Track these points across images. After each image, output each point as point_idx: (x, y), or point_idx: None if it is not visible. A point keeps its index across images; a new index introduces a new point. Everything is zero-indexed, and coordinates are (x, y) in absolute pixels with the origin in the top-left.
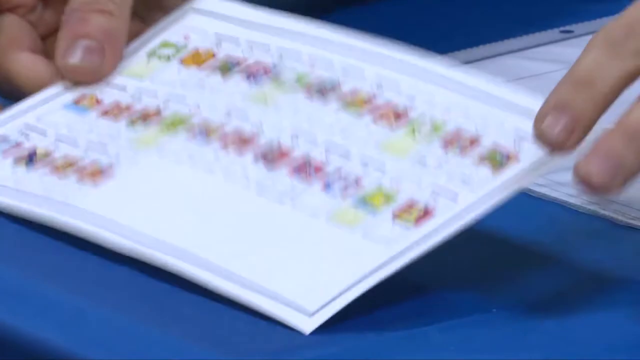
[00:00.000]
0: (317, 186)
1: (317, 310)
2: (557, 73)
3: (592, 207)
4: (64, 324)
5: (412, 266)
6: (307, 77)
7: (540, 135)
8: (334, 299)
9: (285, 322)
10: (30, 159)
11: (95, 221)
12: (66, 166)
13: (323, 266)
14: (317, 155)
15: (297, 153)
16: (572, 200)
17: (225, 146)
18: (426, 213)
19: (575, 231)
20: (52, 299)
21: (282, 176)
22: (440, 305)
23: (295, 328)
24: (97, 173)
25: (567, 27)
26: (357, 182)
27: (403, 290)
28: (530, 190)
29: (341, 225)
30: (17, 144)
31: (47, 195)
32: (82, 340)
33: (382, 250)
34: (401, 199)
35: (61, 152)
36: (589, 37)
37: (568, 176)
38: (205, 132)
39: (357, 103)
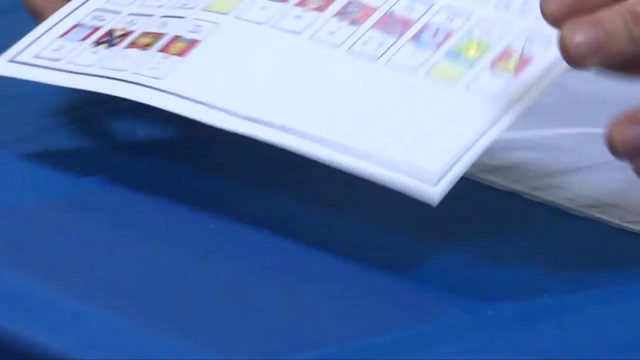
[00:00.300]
0: (407, 41)
1: (441, 179)
2: None
3: (589, 211)
4: (62, 326)
5: (409, 267)
6: None
7: (562, 39)
8: (453, 165)
9: (413, 195)
10: (110, 39)
11: (189, 94)
12: (148, 42)
13: (435, 128)
14: (400, 8)
15: (380, 8)
16: (567, 204)
17: (303, 5)
18: (524, 61)
19: (571, 235)
20: (49, 300)
21: (369, 32)
22: (439, 305)
23: (423, 199)
24: (181, 47)
25: None
26: (447, 34)
27: (401, 290)
28: (525, 193)
29: (441, 80)
30: (94, 28)
31: (135, 70)
32: (80, 341)
33: (489, 105)
34: (495, 48)
35: (139, 27)
36: None
37: (564, 179)
38: None
39: None
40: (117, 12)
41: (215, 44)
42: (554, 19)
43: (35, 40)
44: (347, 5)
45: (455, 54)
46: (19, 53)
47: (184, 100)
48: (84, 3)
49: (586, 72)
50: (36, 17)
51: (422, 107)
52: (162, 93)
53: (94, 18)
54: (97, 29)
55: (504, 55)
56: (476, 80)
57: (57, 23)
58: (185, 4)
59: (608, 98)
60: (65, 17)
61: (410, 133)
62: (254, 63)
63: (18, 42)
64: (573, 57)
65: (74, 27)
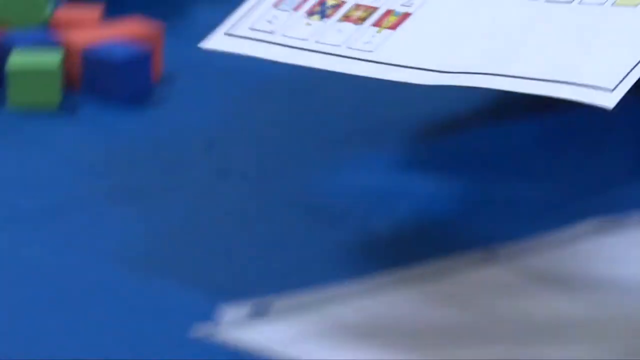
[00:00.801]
0: None
1: (617, 86)
2: None
3: None
4: None
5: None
6: None
7: None
8: (629, 73)
9: (590, 102)
10: (323, 9)
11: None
12: (362, 16)
13: (616, 48)
14: None
15: None
16: None
17: None
18: None
19: None
20: None
21: None
22: None
23: (600, 105)
24: (393, 21)
25: None
26: None
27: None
28: None
29: (626, 6)
30: None
31: (349, 45)
32: None
33: None
34: None
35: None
36: None
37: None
38: None
39: None
40: None
41: (425, 14)
42: None
43: (249, 10)
44: None
45: None
46: (235, 25)
47: (395, 68)
48: None
49: None
50: None
51: (612, 35)
52: (374, 64)
53: None
54: None
55: None
56: None
57: None
58: None
59: None
60: None
61: (591, 54)
62: (463, 28)
63: (234, 13)
64: None
65: None
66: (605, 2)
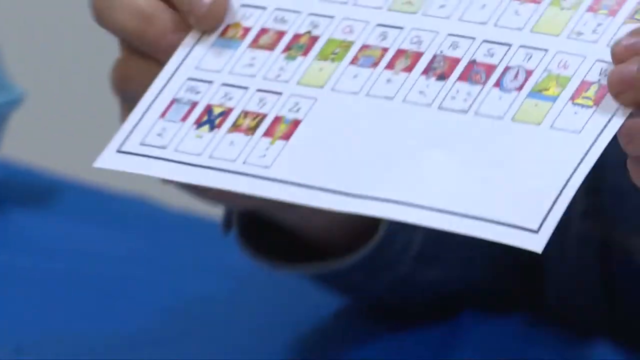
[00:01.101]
0: (491, 87)
1: (541, 225)
2: None
3: None
4: None
5: None
6: None
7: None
8: (552, 207)
9: (514, 245)
10: (210, 119)
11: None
12: (251, 125)
13: (525, 175)
14: (481, 54)
15: (462, 58)
16: None
17: (391, 67)
18: (603, 90)
19: None
20: None
21: (456, 84)
22: None
23: (526, 248)
24: (284, 130)
25: None
26: (526, 73)
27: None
28: None
29: (526, 122)
30: (192, 104)
31: (244, 160)
32: None
33: (575, 139)
34: (574, 82)
35: (237, 104)
36: None
37: None
38: (369, 58)
39: None
40: (209, 82)
41: (316, 122)
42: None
43: (137, 122)
44: (433, 60)
45: (537, 94)
46: (125, 140)
47: (293, 187)
48: (174, 73)
49: None
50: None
51: (512, 156)
52: (271, 182)
53: (188, 90)
54: (194, 104)
55: (583, 86)
56: (559, 118)
57: (154, 100)
58: (279, 76)
59: None
60: (160, 92)
61: (503, 185)
62: (354, 137)
63: (122, 127)
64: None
65: (171, 104)
66: (504, 115)
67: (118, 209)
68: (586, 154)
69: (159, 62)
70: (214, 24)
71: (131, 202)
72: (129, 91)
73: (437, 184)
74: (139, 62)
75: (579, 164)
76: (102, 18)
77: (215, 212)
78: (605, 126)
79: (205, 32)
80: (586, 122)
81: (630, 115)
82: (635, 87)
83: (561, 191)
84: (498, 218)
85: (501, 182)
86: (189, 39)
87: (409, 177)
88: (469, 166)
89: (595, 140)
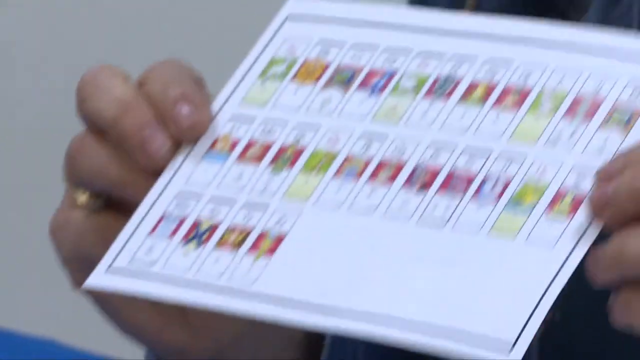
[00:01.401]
0: (470, 198)
1: (515, 342)
2: None
3: None
4: None
5: None
6: (425, 79)
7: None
8: (526, 325)
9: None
10: (197, 234)
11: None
12: (236, 240)
13: (501, 290)
14: (462, 164)
15: (444, 168)
16: None
17: (374, 179)
18: (577, 200)
19: None
20: None
21: (436, 197)
22: None
23: None
24: (269, 245)
25: None
26: (505, 183)
27: None
28: None
29: (502, 236)
30: (179, 220)
31: (229, 276)
32: None
33: (550, 254)
34: (550, 190)
35: (223, 219)
36: None
37: None
38: (353, 168)
39: (478, 96)
40: (198, 197)
41: (300, 236)
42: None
43: (127, 240)
44: (414, 171)
45: (514, 204)
46: (116, 258)
47: (276, 307)
48: (165, 188)
49: None
50: None
51: (488, 271)
52: (254, 301)
53: (177, 206)
54: (182, 220)
55: (558, 196)
56: (535, 230)
57: (144, 217)
58: (265, 189)
59: None
60: (151, 208)
61: (478, 300)
62: (336, 252)
63: (113, 244)
64: None
65: (160, 220)
66: (481, 229)
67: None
68: (560, 269)
69: (123, 154)
70: (195, 137)
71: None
72: (76, 170)
73: (415, 298)
74: (99, 145)
75: (553, 279)
76: (83, 104)
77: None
78: (579, 241)
79: (187, 142)
80: (560, 236)
81: (600, 236)
82: (611, 208)
83: (536, 306)
84: (475, 332)
85: (477, 297)
86: (178, 154)
87: (389, 292)
88: (446, 280)
89: (568, 256)
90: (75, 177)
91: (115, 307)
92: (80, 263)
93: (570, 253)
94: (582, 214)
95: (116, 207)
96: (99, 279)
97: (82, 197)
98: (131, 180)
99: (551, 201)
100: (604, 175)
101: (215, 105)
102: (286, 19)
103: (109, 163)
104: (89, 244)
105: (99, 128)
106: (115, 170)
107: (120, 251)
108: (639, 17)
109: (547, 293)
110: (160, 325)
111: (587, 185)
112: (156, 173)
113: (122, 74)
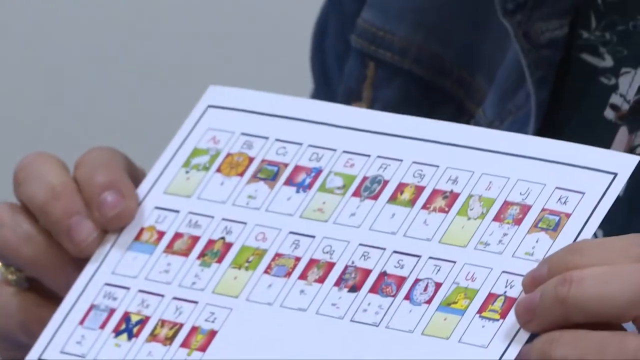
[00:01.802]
0: (402, 300)
1: None
2: None
3: None
4: None
5: None
6: (353, 178)
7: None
8: None
9: None
10: (128, 327)
11: None
12: (168, 335)
13: None
14: (392, 266)
15: (374, 269)
16: None
17: (304, 277)
18: (509, 302)
19: None
20: None
21: (367, 297)
22: None
23: None
24: (201, 341)
25: None
26: (435, 286)
27: None
28: None
29: (435, 337)
30: (110, 311)
31: None
32: None
33: (483, 354)
34: (481, 295)
35: (154, 312)
36: None
37: None
38: (283, 267)
39: (407, 198)
40: (127, 288)
41: (232, 333)
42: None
43: (57, 329)
44: (344, 271)
45: (445, 307)
46: (45, 349)
47: None
48: (91, 278)
49: None
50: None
51: None
52: None
53: (105, 296)
54: (112, 311)
55: (490, 299)
56: (467, 332)
57: (73, 306)
58: (194, 283)
59: None
60: (79, 297)
61: None
62: (269, 349)
63: (44, 333)
64: None
65: (89, 310)
66: (414, 329)
67: None
68: None
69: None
70: (120, 226)
71: None
72: None
73: None
74: (26, 222)
75: None
76: (18, 189)
77: None
78: (512, 341)
79: (112, 231)
80: (493, 337)
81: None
82: (539, 315)
83: None
84: None
85: None
86: (105, 242)
87: None
88: None
89: (502, 355)
90: None
91: None
92: (5, 342)
93: (503, 353)
94: (514, 316)
95: (44, 287)
96: None
97: (8, 274)
98: (51, 264)
99: (482, 304)
100: (530, 283)
101: (139, 194)
102: (207, 108)
103: (28, 243)
104: (15, 323)
105: (32, 213)
106: (30, 252)
107: (50, 341)
108: (536, 108)
109: None
110: None
111: (517, 289)
112: (79, 260)
113: (57, 161)
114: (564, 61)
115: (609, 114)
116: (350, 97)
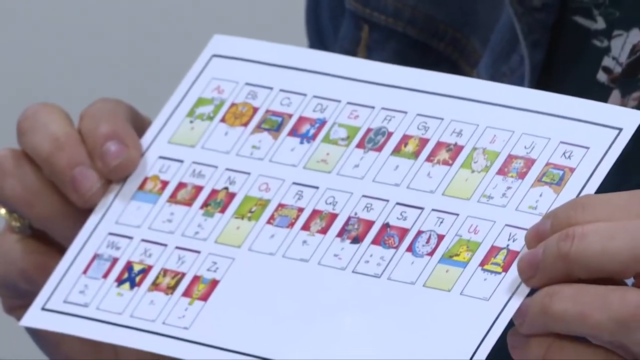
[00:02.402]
0: (404, 252)
1: None
2: None
3: None
4: None
5: None
6: (357, 130)
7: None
8: None
9: None
10: (131, 276)
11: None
12: (170, 284)
13: (437, 340)
14: (394, 217)
15: (376, 220)
16: None
17: (307, 228)
18: (511, 255)
19: None
20: None
21: (370, 248)
22: None
23: None
24: (202, 290)
25: None
26: (438, 238)
27: None
28: None
29: (437, 288)
30: (113, 260)
31: (163, 320)
32: None
33: (485, 307)
34: (483, 247)
35: (156, 262)
36: None
37: None
38: (286, 217)
39: (411, 150)
40: (130, 238)
41: (234, 282)
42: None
43: (61, 279)
44: (347, 222)
45: (447, 260)
46: (50, 298)
47: (211, 350)
48: (95, 227)
49: None
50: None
51: (424, 320)
52: (190, 344)
53: (109, 246)
54: (115, 261)
55: (492, 252)
56: (469, 284)
57: (76, 256)
58: (197, 233)
59: None
60: (83, 247)
61: (414, 350)
62: (271, 299)
63: (48, 282)
64: None
65: (93, 260)
66: (416, 280)
67: None
68: (495, 321)
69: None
70: (123, 176)
71: None
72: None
73: (351, 346)
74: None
75: (488, 330)
76: (22, 138)
77: None
78: (513, 294)
79: (116, 181)
80: (495, 290)
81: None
82: (541, 270)
83: (471, 358)
84: None
85: (413, 345)
86: (108, 192)
87: (324, 340)
88: (382, 330)
89: (503, 308)
90: (1, 198)
91: (46, 337)
92: (7, 289)
93: (504, 306)
94: (515, 269)
95: (47, 235)
96: (34, 318)
97: (12, 221)
98: (56, 216)
99: (485, 257)
100: (532, 237)
101: (143, 144)
102: (211, 57)
103: (35, 195)
104: (16, 270)
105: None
106: (37, 204)
107: (54, 290)
108: (530, 72)
109: (482, 344)
110: (90, 356)
111: (520, 242)
112: (83, 211)
113: (61, 111)
114: (557, 24)
115: (601, 76)
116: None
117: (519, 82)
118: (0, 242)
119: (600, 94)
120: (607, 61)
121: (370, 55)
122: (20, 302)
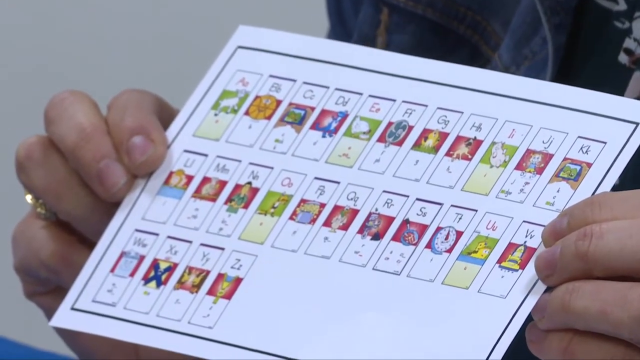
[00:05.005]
0: (423, 249)
1: None
2: None
3: None
4: None
5: None
6: (378, 123)
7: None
8: None
9: None
10: (157, 274)
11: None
12: (195, 282)
13: (455, 337)
14: (414, 213)
15: (397, 216)
16: None
17: (329, 224)
18: (528, 252)
19: None
20: None
21: (390, 245)
22: None
23: None
24: (227, 288)
25: None
26: (456, 235)
27: None
28: None
29: (455, 285)
30: (139, 258)
31: (189, 319)
32: None
33: (502, 305)
34: (501, 244)
35: (181, 259)
36: None
37: None
38: (308, 213)
39: (431, 145)
40: (156, 234)
41: (256, 281)
42: None
43: (89, 278)
44: (367, 218)
45: (466, 257)
46: (79, 297)
47: (235, 349)
48: (122, 225)
49: None
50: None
51: (443, 318)
52: (214, 344)
53: (135, 243)
54: (141, 258)
55: (510, 249)
56: (487, 282)
57: (104, 254)
58: (221, 229)
59: None
60: (110, 245)
61: (432, 346)
62: (293, 297)
63: (76, 281)
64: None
65: (120, 258)
66: (435, 278)
67: None
68: (512, 318)
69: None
70: (148, 171)
71: None
72: (29, 179)
73: (371, 345)
74: (57, 160)
75: (505, 328)
76: (49, 127)
77: None
78: (530, 292)
79: (141, 176)
80: (512, 287)
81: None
82: (559, 269)
83: (489, 355)
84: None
85: (432, 343)
86: (135, 187)
87: (345, 339)
88: (401, 327)
89: (520, 305)
90: (28, 185)
91: (67, 331)
92: (28, 275)
93: (521, 304)
94: (533, 266)
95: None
96: (64, 318)
97: (38, 207)
98: (84, 210)
99: (502, 254)
100: (549, 235)
101: (168, 137)
102: (236, 49)
103: (64, 189)
104: (37, 257)
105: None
106: (65, 198)
107: (83, 289)
108: (553, 54)
109: (499, 342)
110: (109, 351)
111: (537, 239)
112: (110, 204)
113: (88, 100)
114: (578, 6)
115: (622, 58)
116: (364, 43)
117: (541, 65)
118: (25, 228)
119: (621, 75)
120: (628, 43)
121: (390, 38)
122: (40, 288)
